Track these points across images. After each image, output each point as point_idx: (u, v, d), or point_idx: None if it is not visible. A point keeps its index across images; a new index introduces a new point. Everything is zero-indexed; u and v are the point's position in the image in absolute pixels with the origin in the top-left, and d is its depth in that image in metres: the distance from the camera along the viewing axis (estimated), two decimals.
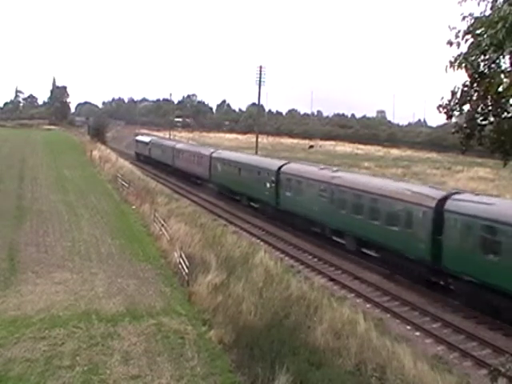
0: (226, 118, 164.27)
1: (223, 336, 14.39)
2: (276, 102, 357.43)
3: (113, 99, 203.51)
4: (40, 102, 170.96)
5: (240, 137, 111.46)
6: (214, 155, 46.62)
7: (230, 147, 70.07)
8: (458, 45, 8.05)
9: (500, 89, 7.53)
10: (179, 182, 53.16)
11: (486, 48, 7.60)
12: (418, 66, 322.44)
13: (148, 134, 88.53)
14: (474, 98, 8.35)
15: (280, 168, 34.27)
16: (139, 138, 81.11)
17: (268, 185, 34.91)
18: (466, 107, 8.56)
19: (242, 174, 39.97)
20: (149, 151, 69.95)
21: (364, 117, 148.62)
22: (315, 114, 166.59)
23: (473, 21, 7.96)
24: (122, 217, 30.47)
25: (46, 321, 15.05)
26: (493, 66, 7.86)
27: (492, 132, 8.58)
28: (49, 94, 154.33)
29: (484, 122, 8.56)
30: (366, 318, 17.33)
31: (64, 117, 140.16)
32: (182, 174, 55.74)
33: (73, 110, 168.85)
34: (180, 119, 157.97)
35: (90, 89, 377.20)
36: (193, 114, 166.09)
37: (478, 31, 7.79)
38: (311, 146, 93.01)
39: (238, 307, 16.21)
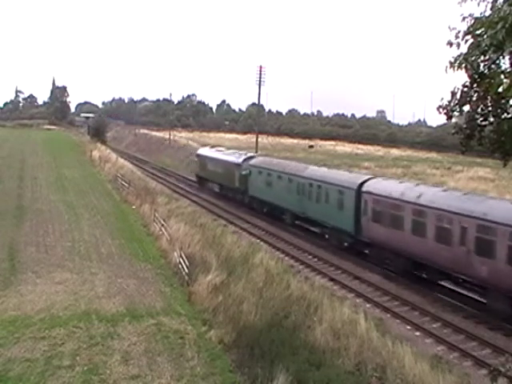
0: (226, 118, 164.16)
1: (223, 336, 14.42)
2: (276, 101, 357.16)
3: (113, 99, 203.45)
4: (40, 101, 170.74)
5: (240, 137, 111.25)
6: None
7: (231, 147, 69.36)
8: (458, 45, 8.06)
9: (500, 89, 7.53)
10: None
11: (486, 48, 7.61)
12: (418, 66, 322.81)
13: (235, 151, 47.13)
14: (474, 98, 8.37)
15: None
16: (208, 151, 48.85)
17: None
18: (466, 108, 8.58)
19: None
20: (246, 183, 38.21)
21: (364, 117, 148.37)
22: (315, 114, 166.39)
23: (473, 21, 7.97)
24: (122, 217, 30.47)
25: (46, 321, 15.07)
26: (493, 66, 7.87)
27: (492, 132, 8.59)
28: (49, 94, 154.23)
29: (484, 123, 8.57)
30: (366, 317, 17.35)
31: (64, 117, 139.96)
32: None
33: (73, 109, 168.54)
34: (89, 115, 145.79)
35: (89, 89, 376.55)
36: (193, 113, 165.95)
37: (478, 32, 7.79)
38: (311, 146, 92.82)
39: (238, 307, 16.23)
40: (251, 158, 40.29)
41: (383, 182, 25.93)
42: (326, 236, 29.06)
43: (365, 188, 25.28)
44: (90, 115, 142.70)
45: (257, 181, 36.71)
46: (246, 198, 38.95)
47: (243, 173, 38.39)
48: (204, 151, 49.62)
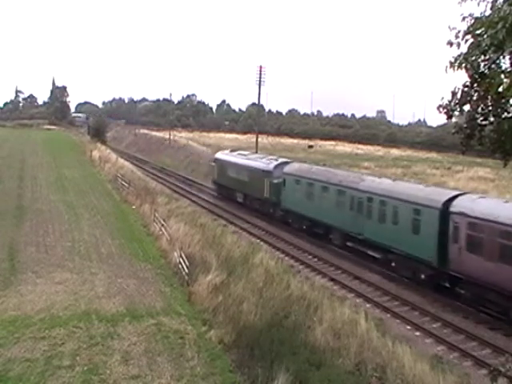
0: (226, 118, 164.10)
1: (223, 336, 14.41)
2: (276, 102, 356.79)
3: (113, 99, 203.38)
4: (40, 101, 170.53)
5: (240, 137, 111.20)
6: None
7: (231, 147, 69.23)
8: (458, 45, 8.05)
9: (500, 89, 7.53)
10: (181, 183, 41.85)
11: (486, 48, 7.61)
12: (418, 66, 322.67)
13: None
14: (474, 98, 8.36)
15: None
16: (228, 155, 44.31)
17: None
18: (466, 107, 8.57)
19: None
20: (278, 194, 33.56)
21: (364, 117, 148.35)
22: (315, 114, 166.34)
23: (473, 21, 7.96)
24: (122, 217, 30.45)
25: (46, 321, 15.06)
26: (493, 66, 7.86)
27: (492, 132, 8.59)
28: (49, 94, 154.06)
29: (484, 123, 8.57)
30: (366, 317, 17.35)
31: (64, 117, 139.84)
32: None
33: (73, 109, 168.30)
34: (80, 114, 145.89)
35: (89, 89, 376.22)
36: (193, 113, 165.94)
37: (478, 31, 7.79)
38: (311, 146, 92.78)
39: (238, 307, 16.23)
40: (285, 164, 34.58)
41: (480, 200, 20.16)
42: (393, 264, 23.72)
43: (455, 208, 20.04)
44: (81, 115, 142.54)
45: (293, 191, 31.32)
46: (277, 211, 33.91)
47: (275, 181, 33.53)
48: (223, 155, 44.62)
